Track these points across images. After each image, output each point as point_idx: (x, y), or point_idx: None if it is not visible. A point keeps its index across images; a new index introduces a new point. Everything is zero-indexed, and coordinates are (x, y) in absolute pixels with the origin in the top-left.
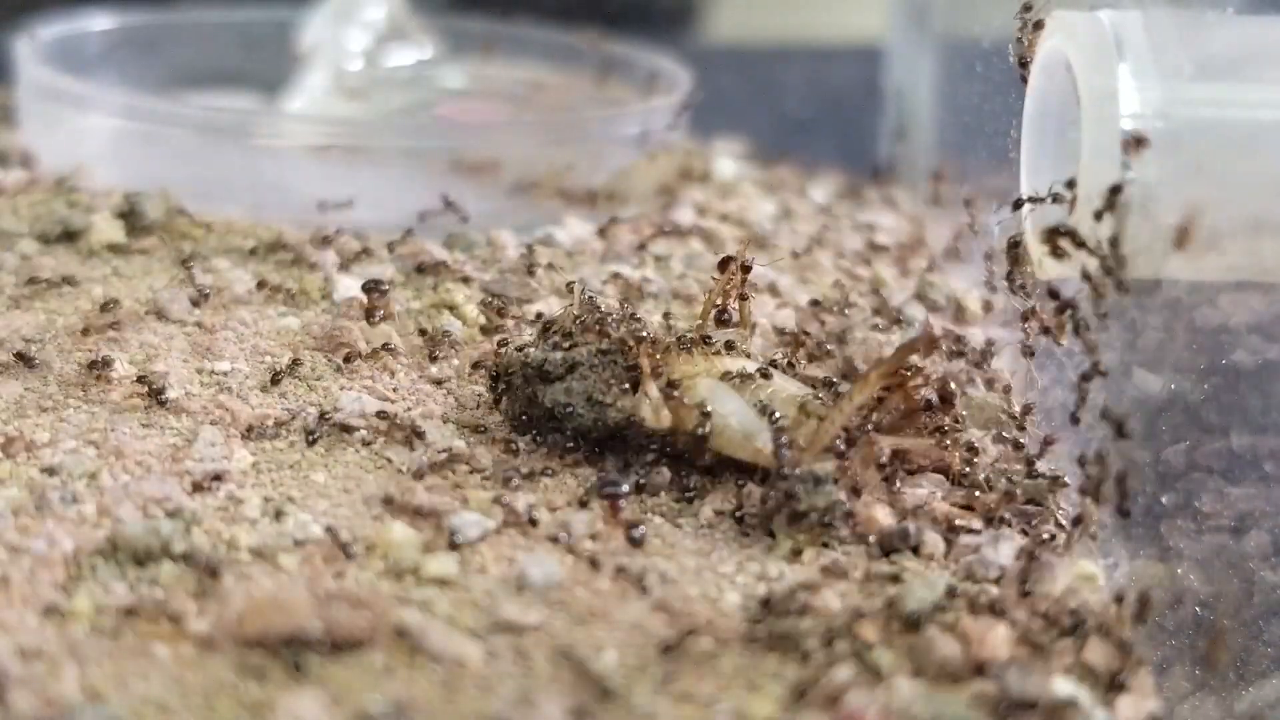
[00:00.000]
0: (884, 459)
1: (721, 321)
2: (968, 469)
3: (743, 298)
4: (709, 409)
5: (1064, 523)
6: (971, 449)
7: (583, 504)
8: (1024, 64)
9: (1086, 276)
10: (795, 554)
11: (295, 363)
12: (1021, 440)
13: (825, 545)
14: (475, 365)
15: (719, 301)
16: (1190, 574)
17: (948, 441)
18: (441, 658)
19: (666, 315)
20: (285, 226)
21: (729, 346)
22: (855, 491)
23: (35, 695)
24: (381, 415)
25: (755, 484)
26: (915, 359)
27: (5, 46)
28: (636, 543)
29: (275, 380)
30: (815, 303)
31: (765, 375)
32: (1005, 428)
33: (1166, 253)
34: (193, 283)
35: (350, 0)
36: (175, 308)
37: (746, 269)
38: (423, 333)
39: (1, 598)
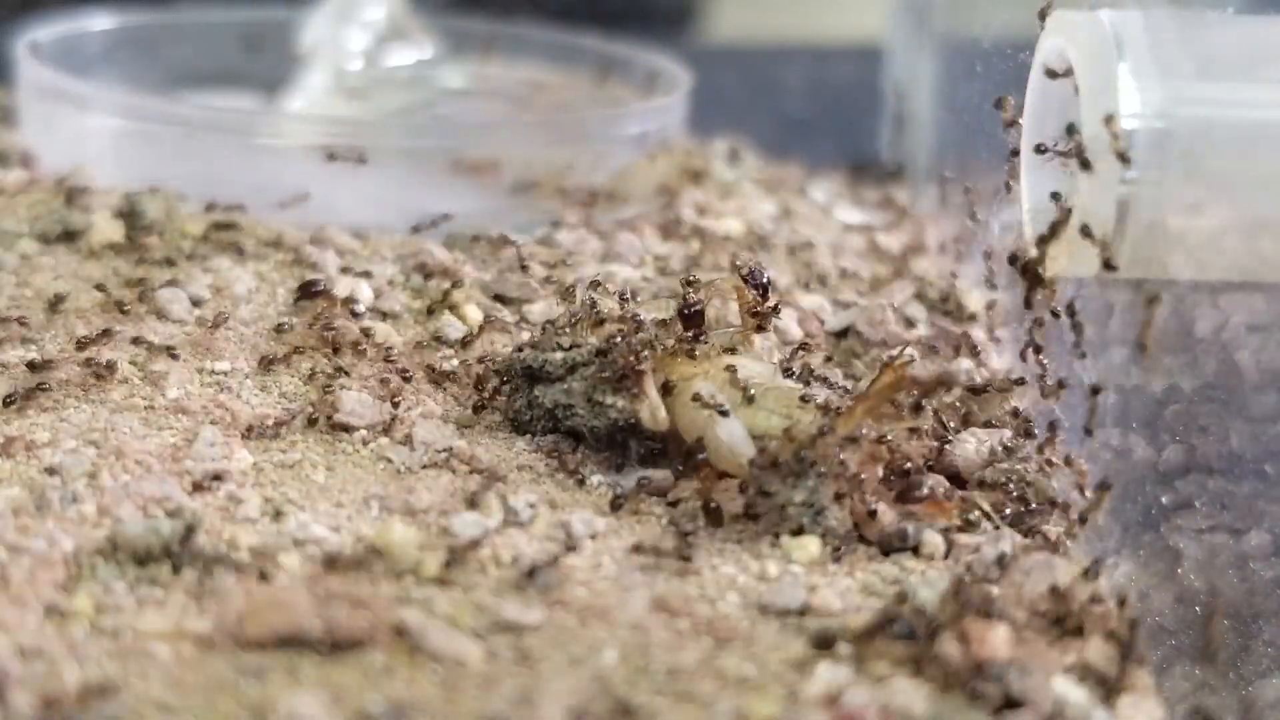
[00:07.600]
0: (885, 456)
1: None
2: (967, 468)
3: (752, 310)
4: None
5: (1064, 521)
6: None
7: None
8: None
9: (1109, 266)
10: (794, 554)
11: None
12: (1022, 439)
13: (825, 545)
14: (475, 365)
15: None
16: (1190, 574)
17: (947, 440)
18: (441, 658)
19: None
20: (285, 227)
21: (730, 350)
22: (853, 484)
23: (35, 695)
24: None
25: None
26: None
27: (5, 46)
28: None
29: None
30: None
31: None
32: (1006, 426)
33: (1167, 253)
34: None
35: (350, 0)
36: (175, 308)
37: (748, 275)
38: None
39: (1, 598)
